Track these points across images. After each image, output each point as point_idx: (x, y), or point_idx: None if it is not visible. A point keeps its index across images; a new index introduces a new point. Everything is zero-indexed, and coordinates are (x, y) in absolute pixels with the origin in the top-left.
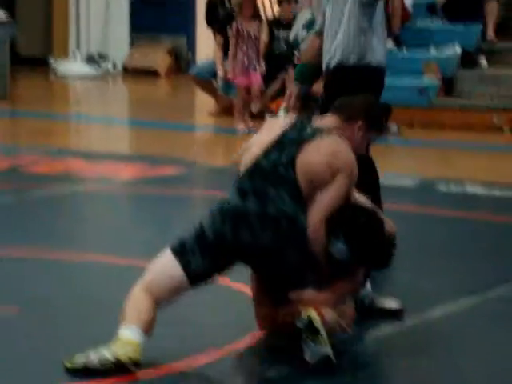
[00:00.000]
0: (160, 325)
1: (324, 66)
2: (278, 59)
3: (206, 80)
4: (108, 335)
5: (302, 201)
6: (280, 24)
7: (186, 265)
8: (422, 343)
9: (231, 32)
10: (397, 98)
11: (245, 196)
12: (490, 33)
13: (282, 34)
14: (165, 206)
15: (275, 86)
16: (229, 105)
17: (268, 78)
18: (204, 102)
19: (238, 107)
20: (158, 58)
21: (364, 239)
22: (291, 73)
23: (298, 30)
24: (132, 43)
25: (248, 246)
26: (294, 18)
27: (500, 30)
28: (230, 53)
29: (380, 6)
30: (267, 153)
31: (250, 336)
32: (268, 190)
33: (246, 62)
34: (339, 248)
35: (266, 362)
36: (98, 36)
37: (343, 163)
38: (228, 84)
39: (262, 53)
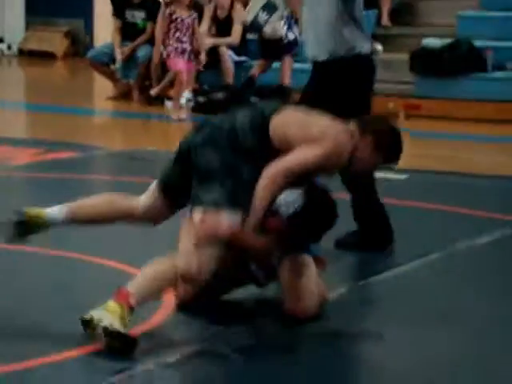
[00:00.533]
0: (63, 309)
1: (310, 59)
2: None
3: (104, 64)
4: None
5: (260, 143)
6: None
7: (161, 173)
8: None
9: (162, 18)
10: (296, 82)
11: (225, 116)
12: (385, 18)
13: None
14: (60, 190)
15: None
16: (127, 89)
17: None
18: (102, 86)
19: (176, 93)
20: (54, 40)
21: (317, 203)
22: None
23: (256, 13)
24: (28, 26)
25: (194, 147)
26: (194, 2)
27: (394, 16)
28: (158, 39)
29: None
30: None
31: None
32: (245, 118)
33: (180, 50)
34: (290, 199)
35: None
36: None
37: (327, 136)
38: (126, 68)
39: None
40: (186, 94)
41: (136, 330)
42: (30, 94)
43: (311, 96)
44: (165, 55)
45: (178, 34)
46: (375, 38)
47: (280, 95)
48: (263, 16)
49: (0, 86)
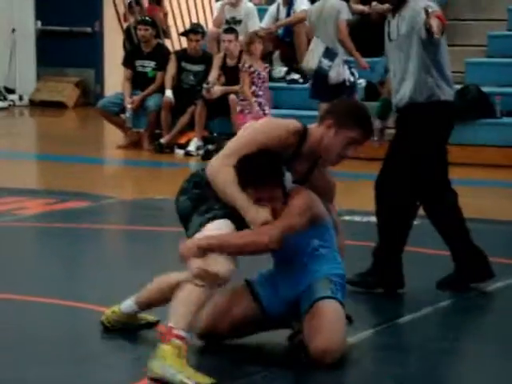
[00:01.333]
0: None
1: (394, 106)
2: (186, 93)
3: (114, 113)
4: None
5: None
6: (189, 58)
7: None
8: None
9: (244, 71)
10: None
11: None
12: None
13: (190, 67)
14: (72, 240)
15: (184, 119)
16: (137, 138)
17: (177, 112)
18: (113, 135)
19: None
20: (65, 90)
21: None
22: (199, 106)
23: (319, 59)
24: (39, 76)
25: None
26: (203, 52)
27: None
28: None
29: (444, 44)
30: None
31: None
32: None
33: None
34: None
35: None
36: (4, 70)
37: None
38: (136, 117)
39: (169, 85)
40: (196, 142)
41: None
42: (42, 144)
43: (397, 144)
44: (238, 109)
45: (253, 87)
46: (383, 84)
47: None
48: (326, 62)
49: (12, 137)
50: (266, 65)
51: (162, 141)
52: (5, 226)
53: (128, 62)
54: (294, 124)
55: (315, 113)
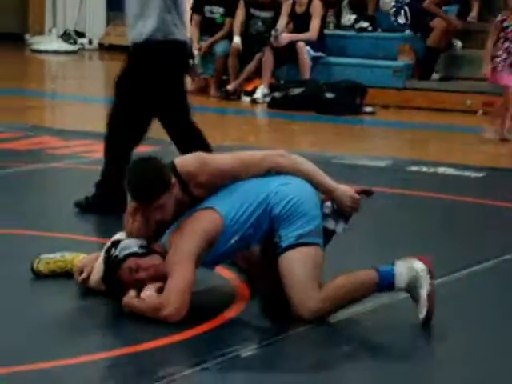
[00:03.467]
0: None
1: (130, 42)
2: (254, 39)
3: None
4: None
5: None
6: (258, 4)
7: None
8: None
9: (494, 25)
10: (372, 80)
11: None
12: (474, 14)
13: (258, 13)
14: None
15: (251, 66)
16: (204, 83)
17: (244, 58)
18: None
19: (502, 112)
20: None
21: None
22: (267, 53)
23: None
24: (109, 20)
25: None
26: None
27: (480, 11)
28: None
29: None
30: None
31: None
32: None
33: (509, 62)
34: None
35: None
36: (75, 13)
37: None
38: (204, 63)
39: (237, 32)
40: (263, 89)
41: (209, 325)
42: (110, 88)
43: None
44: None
45: (506, 44)
46: (456, 33)
47: (355, 91)
48: None
49: (81, 80)
50: None
51: (229, 87)
52: (71, 167)
53: (197, 7)
54: None
55: (383, 62)
